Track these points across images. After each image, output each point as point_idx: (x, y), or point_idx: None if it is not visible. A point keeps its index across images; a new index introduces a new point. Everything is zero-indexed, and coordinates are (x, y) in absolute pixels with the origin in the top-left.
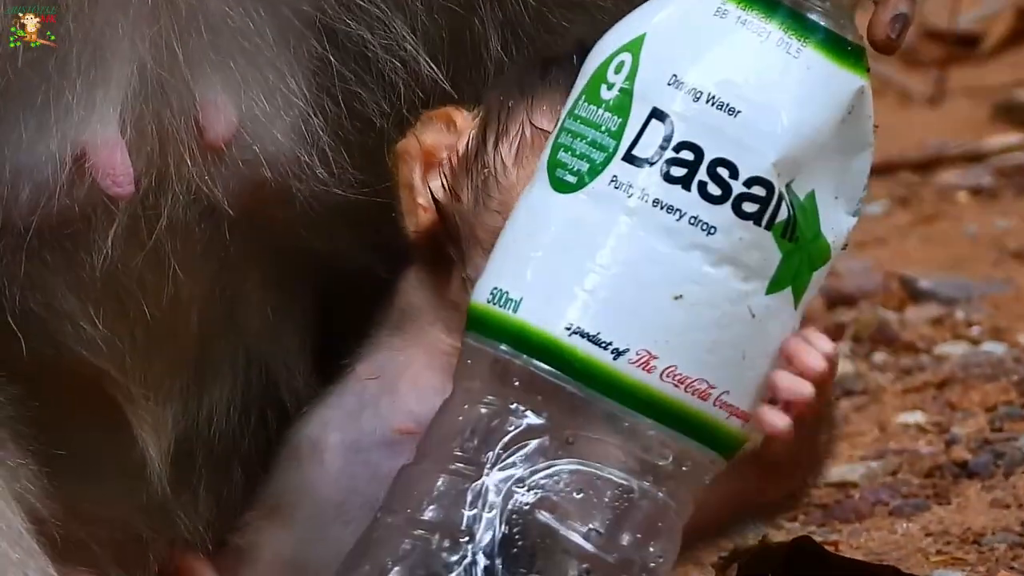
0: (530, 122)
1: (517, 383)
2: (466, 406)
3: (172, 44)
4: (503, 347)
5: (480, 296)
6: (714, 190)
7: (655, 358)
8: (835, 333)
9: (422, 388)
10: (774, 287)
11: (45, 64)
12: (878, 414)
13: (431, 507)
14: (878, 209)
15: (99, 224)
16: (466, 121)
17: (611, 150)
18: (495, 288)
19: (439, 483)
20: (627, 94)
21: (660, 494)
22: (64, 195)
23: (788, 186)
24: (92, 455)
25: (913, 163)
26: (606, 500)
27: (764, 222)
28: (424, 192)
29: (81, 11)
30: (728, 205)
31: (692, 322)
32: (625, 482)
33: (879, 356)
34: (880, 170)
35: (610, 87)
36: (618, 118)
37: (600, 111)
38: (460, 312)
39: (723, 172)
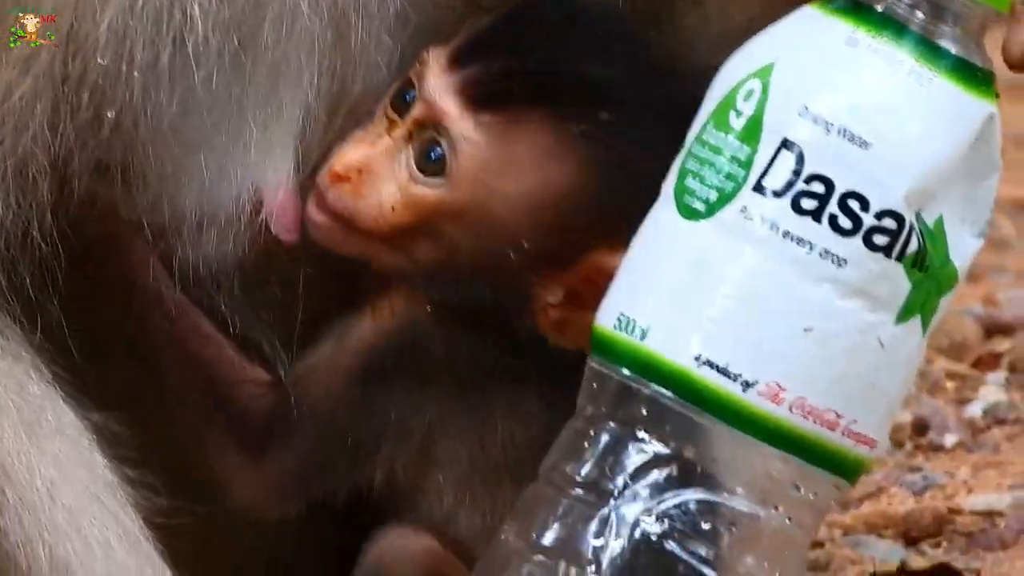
0: None
1: (644, 411)
2: (591, 431)
3: (334, 88)
4: (630, 374)
5: (606, 320)
6: (845, 223)
7: (784, 390)
8: (991, 362)
9: None
10: (903, 317)
11: (226, 102)
12: None
13: (553, 532)
14: None
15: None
16: None
17: (740, 180)
18: (621, 314)
19: (561, 508)
20: (757, 123)
21: (786, 521)
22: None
23: (918, 215)
24: None
25: None
26: (732, 529)
27: (895, 254)
28: None
29: (268, 46)
30: (859, 237)
31: (821, 354)
32: (751, 510)
33: None
34: None
35: (739, 114)
36: (747, 147)
37: (729, 138)
38: None
39: (854, 205)
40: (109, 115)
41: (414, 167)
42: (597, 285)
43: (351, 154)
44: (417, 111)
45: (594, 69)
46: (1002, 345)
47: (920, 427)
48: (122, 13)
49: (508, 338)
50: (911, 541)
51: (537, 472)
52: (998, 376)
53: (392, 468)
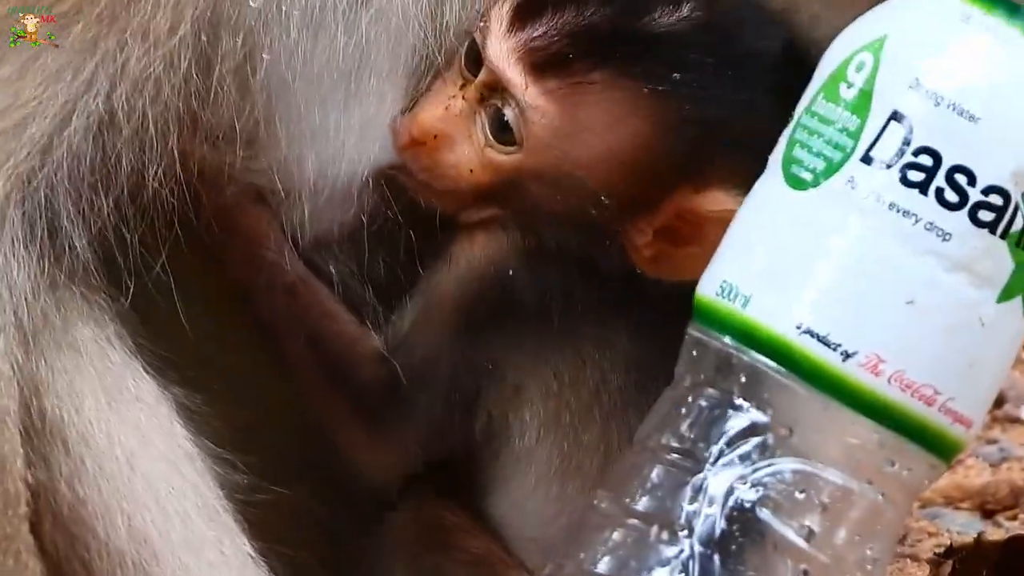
0: None
1: (743, 379)
2: (689, 398)
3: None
4: (730, 341)
5: (708, 288)
6: (951, 196)
7: (884, 362)
8: None
9: None
10: (1005, 296)
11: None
12: None
13: (647, 497)
14: None
15: None
16: None
17: (848, 150)
18: (724, 281)
19: (655, 474)
20: (867, 95)
21: (879, 496)
22: None
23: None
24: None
25: None
26: (826, 500)
27: (999, 231)
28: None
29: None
30: (964, 212)
31: (922, 327)
32: (845, 483)
33: None
34: None
35: (850, 86)
36: (857, 118)
37: (839, 109)
38: None
39: (961, 179)
40: (265, 56)
41: (489, 134)
42: (688, 222)
43: (427, 116)
44: (484, 75)
45: (658, 24)
46: None
47: (997, 399)
48: None
49: (595, 279)
50: (988, 513)
51: (626, 408)
52: None
53: (489, 413)
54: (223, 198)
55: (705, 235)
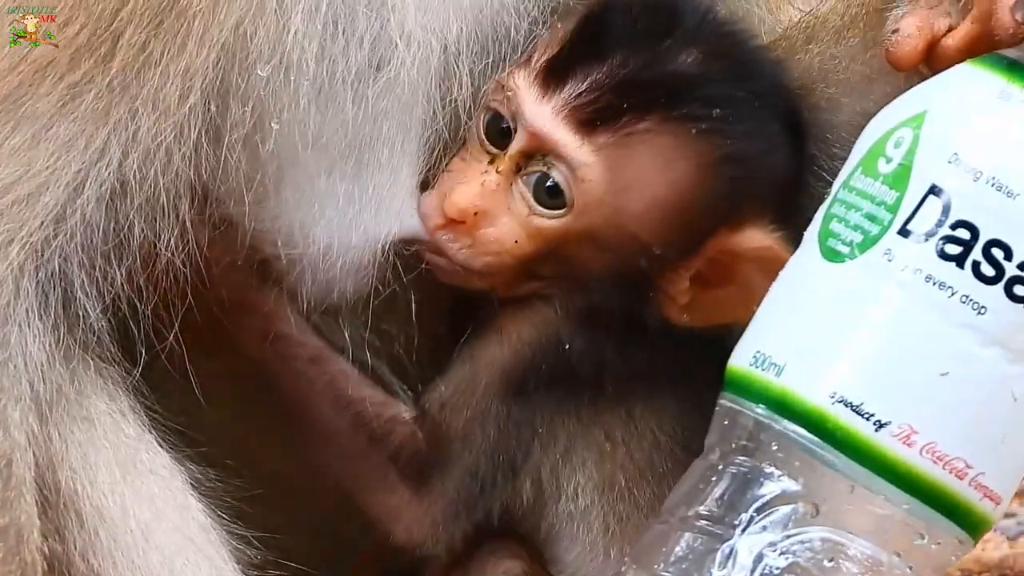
0: None
1: (775, 447)
2: (720, 466)
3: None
4: (762, 410)
5: (741, 359)
6: (988, 270)
7: (916, 433)
8: None
9: None
10: None
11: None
12: None
13: (676, 564)
14: None
15: None
16: None
17: (886, 223)
18: (758, 351)
19: (685, 541)
20: (906, 169)
21: (907, 569)
22: None
23: None
24: None
25: None
26: (854, 570)
27: None
28: None
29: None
30: (1000, 286)
31: (956, 400)
32: (874, 554)
33: None
34: None
35: (888, 161)
36: (895, 192)
37: (877, 184)
38: None
39: (998, 253)
40: (274, 125)
41: (532, 201)
42: (721, 263)
43: (463, 195)
44: (522, 142)
45: (688, 64)
46: None
47: None
48: (282, 29)
49: (642, 339)
50: None
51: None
52: None
53: (539, 475)
54: (232, 279)
55: (736, 274)
